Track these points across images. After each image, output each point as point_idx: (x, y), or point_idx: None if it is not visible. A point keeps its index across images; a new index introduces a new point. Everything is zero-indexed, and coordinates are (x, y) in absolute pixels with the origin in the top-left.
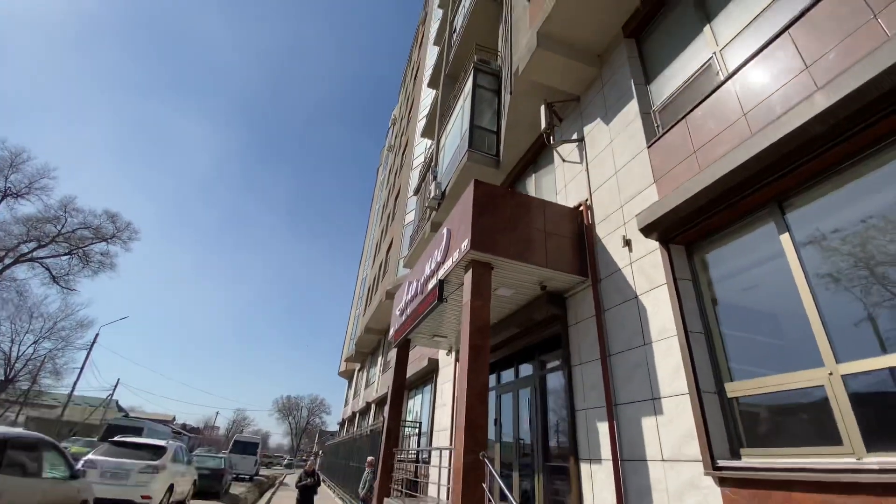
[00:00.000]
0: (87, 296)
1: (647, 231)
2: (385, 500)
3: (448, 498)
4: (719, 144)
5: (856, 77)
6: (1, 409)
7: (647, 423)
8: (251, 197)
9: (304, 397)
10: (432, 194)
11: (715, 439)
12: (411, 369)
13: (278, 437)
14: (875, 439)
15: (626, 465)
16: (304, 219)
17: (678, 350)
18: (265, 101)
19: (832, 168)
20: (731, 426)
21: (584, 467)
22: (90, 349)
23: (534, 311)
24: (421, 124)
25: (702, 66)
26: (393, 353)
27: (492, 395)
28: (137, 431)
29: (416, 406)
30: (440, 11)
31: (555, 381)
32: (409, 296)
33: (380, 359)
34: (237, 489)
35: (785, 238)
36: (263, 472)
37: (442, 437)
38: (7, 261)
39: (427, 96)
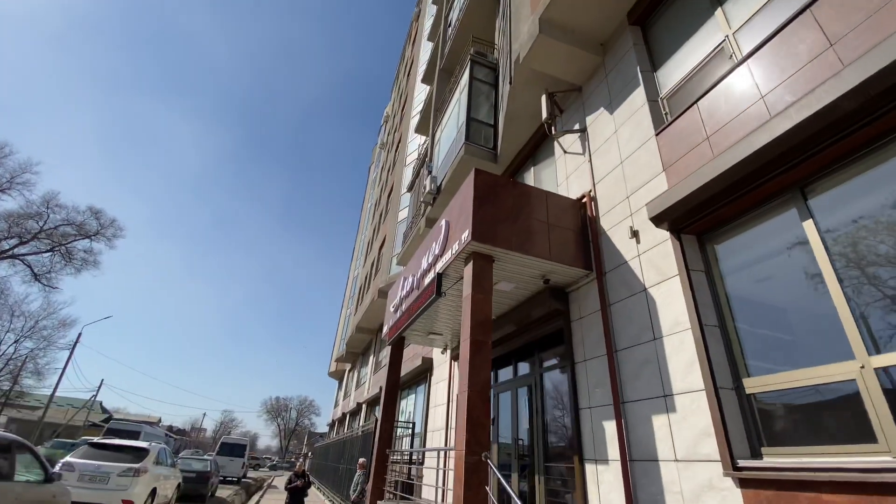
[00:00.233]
0: (70, 294)
1: (657, 220)
2: (378, 503)
3: (444, 500)
4: (735, 129)
5: (889, 51)
6: None
7: (659, 422)
8: (243, 196)
9: (293, 398)
10: (427, 189)
11: (734, 438)
12: (404, 368)
13: (267, 438)
14: None
15: (635, 466)
16: (295, 218)
17: (692, 344)
18: (257, 100)
19: (861, 149)
20: (750, 424)
21: (590, 468)
22: (73, 349)
23: (533, 308)
24: (415, 120)
25: (713, 51)
26: (385, 353)
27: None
28: (135, 435)
29: (408, 406)
30: (434, 7)
31: (556, 378)
32: (405, 291)
33: (371, 358)
34: (224, 492)
35: (808, 225)
36: (251, 474)
37: (436, 438)
38: None
39: (421, 92)
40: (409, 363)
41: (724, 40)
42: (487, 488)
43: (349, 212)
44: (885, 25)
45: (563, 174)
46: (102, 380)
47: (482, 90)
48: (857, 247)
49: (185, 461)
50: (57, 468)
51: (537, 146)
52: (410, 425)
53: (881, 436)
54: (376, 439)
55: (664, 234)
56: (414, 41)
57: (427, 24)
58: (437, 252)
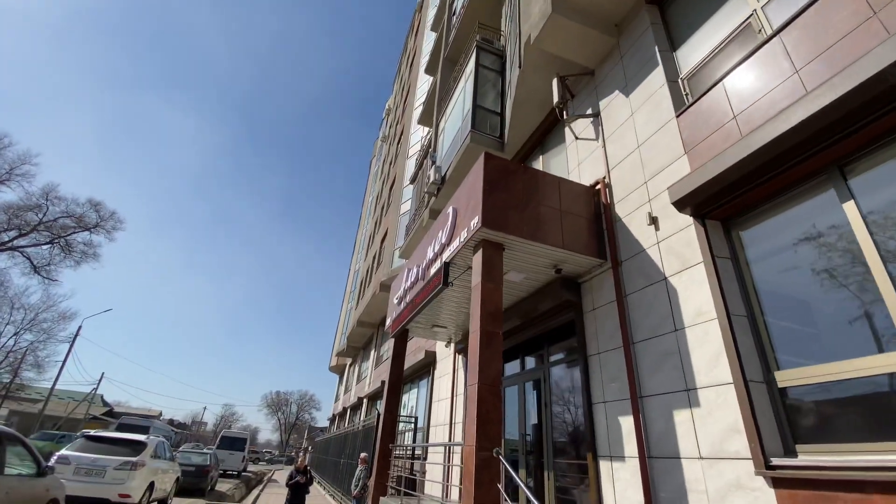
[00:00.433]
0: (70, 287)
1: (680, 205)
2: (381, 499)
3: (448, 497)
4: (766, 107)
5: None
6: None
7: (681, 417)
8: (243, 191)
9: (294, 393)
10: (431, 179)
11: (766, 434)
12: (407, 362)
13: (267, 432)
14: None
15: (655, 464)
16: (296, 214)
17: (718, 335)
18: (256, 96)
19: None
20: (782, 420)
21: (604, 465)
22: (73, 342)
23: (542, 299)
24: (417, 112)
25: (739, 26)
26: (387, 347)
27: None
28: (145, 430)
29: (410, 401)
30: None
31: (567, 372)
32: (409, 283)
33: (372, 353)
34: (224, 486)
35: (849, 206)
36: (251, 468)
37: (440, 433)
38: None
39: (424, 83)
40: (412, 357)
41: (752, 14)
42: (500, 486)
43: (350, 206)
44: None
45: (574, 161)
46: (103, 373)
47: (488, 78)
48: None
49: (185, 455)
50: (52, 461)
51: (546, 133)
52: (413, 420)
53: None
54: (379, 433)
55: (686, 220)
56: (416, 32)
57: (430, 13)
58: (443, 241)
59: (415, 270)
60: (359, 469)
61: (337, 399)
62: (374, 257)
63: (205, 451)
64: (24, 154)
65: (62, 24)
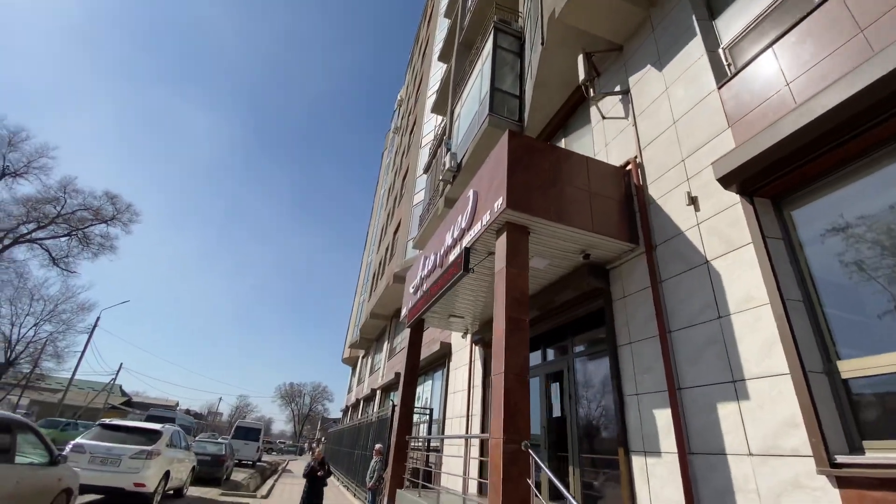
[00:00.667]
0: (88, 279)
1: (726, 181)
2: (398, 491)
3: (466, 489)
4: (825, 71)
5: None
6: (3, 392)
7: (726, 411)
8: (255, 185)
9: (307, 384)
10: (447, 166)
11: (828, 430)
12: (421, 354)
13: (281, 423)
14: None
15: (696, 460)
16: (308, 207)
17: (771, 322)
18: (268, 91)
19: None
20: (846, 414)
21: (637, 461)
22: (91, 332)
23: (565, 289)
24: (430, 101)
25: None
26: (400, 339)
27: None
28: (171, 420)
29: (424, 393)
30: None
31: (593, 364)
32: (426, 271)
33: (385, 345)
34: (239, 475)
35: None
36: (266, 458)
37: (455, 426)
38: (6, 241)
39: (437, 71)
40: (426, 349)
41: None
42: (530, 481)
43: (362, 200)
44: None
45: (601, 142)
46: (121, 363)
47: (506, 60)
48: None
49: (200, 444)
50: (67, 450)
51: (569, 116)
52: (428, 411)
53: None
54: (395, 425)
55: (732, 199)
56: (429, 20)
57: (443, 1)
58: (463, 225)
59: (432, 258)
60: (374, 460)
61: (350, 390)
62: (387, 249)
63: (220, 440)
64: (42, 147)
65: (84, 23)
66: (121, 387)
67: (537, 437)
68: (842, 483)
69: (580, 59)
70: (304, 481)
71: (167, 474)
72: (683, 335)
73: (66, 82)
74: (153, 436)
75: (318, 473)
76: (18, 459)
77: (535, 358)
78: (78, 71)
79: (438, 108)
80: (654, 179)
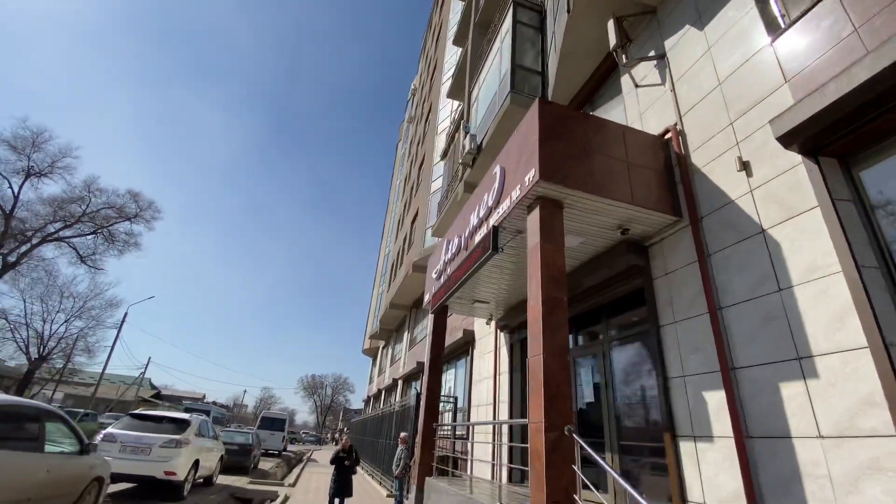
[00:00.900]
0: (115, 276)
1: (787, 140)
2: (427, 479)
3: (495, 477)
4: None
5: None
6: (38, 387)
7: (790, 391)
8: (272, 182)
9: (328, 376)
10: (467, 149)
11: None
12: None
13: (304, 414)
14: None
15: (755, 444)
16: (324, 202)
17: (843, 292)
18: (280, 87)
19: None
20: None
21: (686, 446)
22: (120, 328)
23: (599, 268)
24: (446, 86)
25: None
26: (420, 329)
27: None
28: (206, 414)
29: (447, 381)
30: None
31: (632, 346)
32: (449, 255)
33: (405, 335)
34: (266, 464)
35: None
36: (291, 448)
37: (482, 413)
38: (34, 241)
39: (451, 56)
40: (449, 336)
41: None
42: (575, 467)
43: (378, 192)
44: None
45: (634, 112)
46: (150, 357)
47: (527, 35)
48: None
49: (229, 434)
50: (98, 439)
51: (597, 88)
52: (452, 399)
53: None
54: (422, 412)
55: (793, 160)
56: (441, 5)
57: None
58: (490, 203)
59: (456, 241)
60: (399, 449)
61: (371, 381)
62: (404, 239)
63: (246, 430)
64: (65, 147)
65: (103, 28)
66: (150, 380)
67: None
68: None
69: (610, 24)
70: (329, 470)
71: (196, 463)
72: (737, 311)
73: (85, 86)
74: (182, 425)
75: (346, 463)
76: (48, 448)
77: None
78: (96, 74)
79: (454, 93)
80: (698, 147)
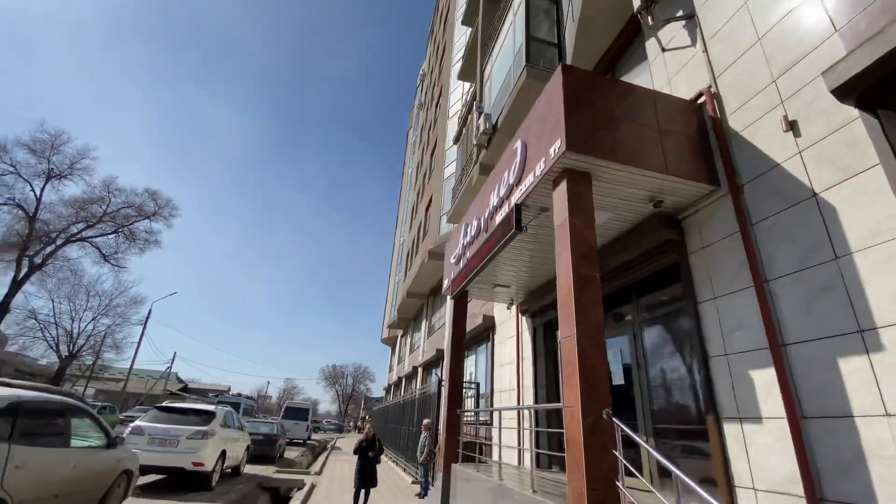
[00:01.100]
0: (138, 273)
1: (843, 92)
2: (454, 466)
3: (521, 462)
4: None
5: None
6: (69, 384)
7: (851, 366)
8: (286, 176)
9: (349, 366)
10: (482, 129)
11: None
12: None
13: (326, 404)
14: None
15: (810, 425)
16: (338, 195)
17: None
18: (290, 82)
19: None
20: None
21: (731, 428)
22: (145, 324)
23: (629, 245)
24: (456, 68)
25: None
26: (438, 316)
27: None
28: (237, 406)
29: (468, 367)
30: None
31: (667, 325)
32: (468, 238)
33: (424, 323)
34: (291, 453)
35: None
36: (315, 437)
37: (505, 398)
38: (58, 242)
39: (460, 38)
40: (469, 322)
41: None
42: (616, 452)
43: (391, 182)
44: None
45: (661, 78)
46: (175, 352)
47: (541, 6)
48: None
49: (254, 424)
50: (126, 432)
51: (618, 56)
52: (474, 385)
53: None
54: (445, 398)
55: (848, 115)
56: None
57: None
58: (511, 181)
59: (475, 223)
60: (423, 435)
61: (391, 370)
62: (419, 227)
63: (270, 420)
64: (83, 149)
65: (110, 28)
66: (177, 374)
67: None
68: None
69: None
70: (353, 458)
71: (223, 453)
72: (786, 283)
73: (92, 88)
74: (207, 416)
75: (369, 454)
76: (74, 443)
77: None
78: (110, 74)
79: (465, 73)
80: (735, 109)
